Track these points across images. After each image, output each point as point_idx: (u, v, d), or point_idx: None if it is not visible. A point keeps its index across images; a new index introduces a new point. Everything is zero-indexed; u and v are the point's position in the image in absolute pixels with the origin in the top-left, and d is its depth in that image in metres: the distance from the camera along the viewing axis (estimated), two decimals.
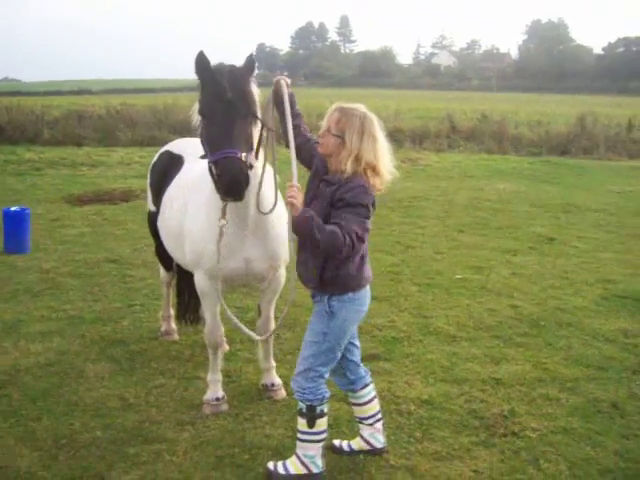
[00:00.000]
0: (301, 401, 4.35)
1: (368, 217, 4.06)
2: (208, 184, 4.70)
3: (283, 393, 5.44)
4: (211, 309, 5.11)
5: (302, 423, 4.37)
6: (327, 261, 4.13)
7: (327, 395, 4.39)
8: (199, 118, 4.54)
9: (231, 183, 4.11)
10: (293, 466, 4.40)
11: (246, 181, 4.18)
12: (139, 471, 4.44)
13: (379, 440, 4.69)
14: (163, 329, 6.77)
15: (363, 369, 4.67)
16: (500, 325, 7.12)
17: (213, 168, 4.29)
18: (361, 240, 4.02)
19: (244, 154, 4.17)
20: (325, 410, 4.38)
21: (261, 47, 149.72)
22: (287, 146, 4.40)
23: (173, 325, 6.80)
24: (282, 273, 5.21)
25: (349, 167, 4.06)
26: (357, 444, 4.70)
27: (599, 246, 10.70)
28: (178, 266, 6.26)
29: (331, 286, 4.20)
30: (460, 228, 11.82)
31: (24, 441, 4.80)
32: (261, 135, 4.59)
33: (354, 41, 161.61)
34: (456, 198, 14.87)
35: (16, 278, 8.60)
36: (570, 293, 8.22)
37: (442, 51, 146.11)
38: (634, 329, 7.03)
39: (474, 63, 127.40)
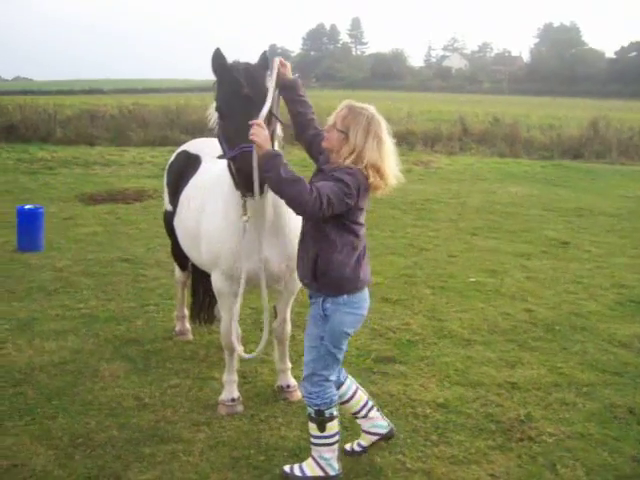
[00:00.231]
0: (309, 406, 4.35)
1: (347, 194, 3.95)
2: (225, 184, 4.70)
3: (299, 394, 5.42)
4: (228, 310, 5.10)
5: (313, 427, 4.37)
6: (321, 250, 4.12)
7: (335, 399, 4.38)
8: (216, 116, 4.53)
9: (251, 178, 4.11)
10: (309, 468, 4.39)
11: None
12: (155, 471, 4.44)
13: (382, 426, 4.69)
14: (177, 329, 6.78)
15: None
16: (515, 329, 7.10)
17: (232, 164, 4.28)
18: (331, 207, 3.90)
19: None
20: (335, 413, 4.37)
21: (272, 48, 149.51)
22: (297, 135, 4.46)
23: (187, 325, 6.80)
24: None
25: (349, 163, 4.07)
26: (365, 440, 4.70)
27: (613, 251, 10.65)
28: (193, 266, 6.26)
29: (325, 284, 4.18)
30: (473, 231, 11.80)
31: (40, 439, 4.80)
32: (274, 130, 4.57)
33: (366, 43, 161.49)
34: (468, 201, 14.85)
35: (30, 276, 8.62)
36: (584, 298, 8.19)
37: (453, 54, 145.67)
38: None
39: (485, 66, 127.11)
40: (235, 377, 5.36)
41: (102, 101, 34.39)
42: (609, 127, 25.26)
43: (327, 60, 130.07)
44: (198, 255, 5.32)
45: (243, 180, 4.18)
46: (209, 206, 5.04)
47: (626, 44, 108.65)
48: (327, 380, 4.31)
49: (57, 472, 4.41)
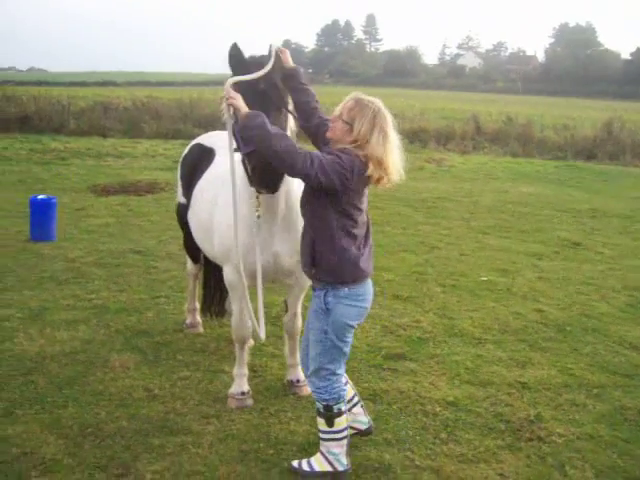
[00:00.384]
0: (318, 401, 4.36)
1: (342, 167, 3.96)
2: (239, 178, 4.70)
3: (308, 389, 5.41)
4: (239, 303, 5.11)
5: (321, 422, 4.38)
6: (317, 234, 4.15)
7: (343, 393, 4.38)
8: (232, 110, 4.53)
9: (267, 174, 4.11)
10: (318, 463, 4.40)
11: (281, 173, 4.18)
12: (164, 462, 4.45)
13: (362, 422, 4.74)
14: (188, 321, 6.79)
15: None
16: (525, 329, 7.07)
17: (247, 160, 4.28)
18: (322, 169, 3.91)
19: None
20: (343, 408, 4.37)
21: (286, 44, 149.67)
22: (301, 124, 4.51)
23: (198, 318, 6.81)
24: None
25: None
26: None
27: (625, 253, 10.61)
28: (205, 259, 6.27)
29: (324, 271, 4.18)
30: (485, 230, 11.77)
31: (50, 428, 4.82)
32: (286, 123, 4.58)
33: (380, 40, 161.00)
34: (481, 200, 14.81)
35: (42, 266, 8.65)
36: (596, 299, 8.16)
37: (468, 52, 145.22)
38: None
39: (500, 65, 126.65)
40: (245, 371, 5.37)
41: (115, 93, 34.48)
42: (623, 128, 25.10)
43: (341, 56, 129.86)
44: (210, 248, 5.33)
45: (258, 176, 4.18)
46: (222, 199, 5.04)
47: None
48: (334, 374, 4.32)
49: (67, 461, 4.44)
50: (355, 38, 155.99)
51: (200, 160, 5.93)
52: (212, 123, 21.43)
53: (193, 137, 7.12)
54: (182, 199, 6.21)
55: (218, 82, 4.83)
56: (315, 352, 4.32)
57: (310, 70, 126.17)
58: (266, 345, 6.37)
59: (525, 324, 7.20)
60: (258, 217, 4.52)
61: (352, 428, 4.67)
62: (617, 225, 12.79)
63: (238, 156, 4.52)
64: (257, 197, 4.44)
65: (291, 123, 4.64)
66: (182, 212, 6.18)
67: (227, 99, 4.09)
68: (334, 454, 4.37)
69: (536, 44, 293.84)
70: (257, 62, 4.36)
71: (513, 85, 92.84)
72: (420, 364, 6.10)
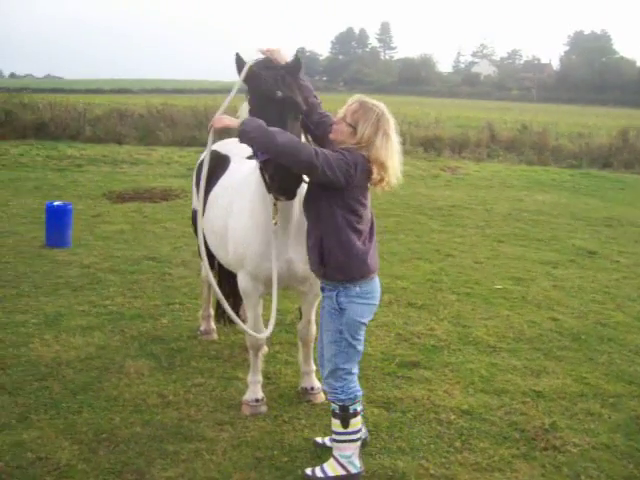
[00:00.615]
0: (334, 402, 4.39)
1: (346, 163, 4.04)
2: (253, 185, 4.72)
3: (322, 397, 5.42)
4: (253, 310, 5.11)
5: (336, 424, 4.39)
6: (324, 231, 4.20)
7: (359, 394, 4.43)
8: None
9: (286, 181, 4.12)
10: (331, 468, 4.41)
11: (299, 179, 4.20)
12: (178, 469, 4.46)
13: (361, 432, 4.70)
14: (202, 328, 6.80)
15: None
16: (540, 337, 7.04)
17: (265, 168, 4.29)
18: (326, 161, 3.97)
19: None
20: (358, 409, 4.41)
21: (301, 51, 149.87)
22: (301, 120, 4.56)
23: (212, 325, 6.82)
24: None
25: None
26: None
27: None
28: (219, 266, 6.28)
29: (333, 269, 4.23)
30: (499, 238, 11.73)
31: (64, 433, 4.84)
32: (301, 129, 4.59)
33: (394, 48, 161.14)
34: (495, 208, 14.76)
35: (57, 272, 8.69)
36: (611, 308, 8.11)
37: (482, 60, 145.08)
38: None
39: (514, 73, 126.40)
40: (259, 378, 5.37)
41: (131, 100, 34.67)
42: (639, 136, 24.97)
43: (355, 64, 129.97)
44: (225, 254, 5.34)
45: (278, 183, 4.19)
46: (237, 206, 5.06)
47: None
48: (350, 373, 4.36)
49: (81, 466, 4.45)
50: (369, 46, 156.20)
51: (215, 167, 5.93)
52: (227, 130, 21.45)
53: None
54: (198, 206, 6.22)
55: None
56: (330, 353, 4.35)
57: (324, 78, 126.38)
58: (280, 352, 6.39)
59: (540, 332, 7.17)
60: (275, 224, 4.53)
61: None
62: (633, 234, 12.70)
63: (255, 163, 4.55)
64: (275, 204, 4.45)
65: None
66: (197, 219, 6.18)
67: (212, 125, 4.41)
68: (347, 457, 4.38)
69: (551, 52, 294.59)
70: (271, 71, 4.39)
71: (528, 93, 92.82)
72: (434, 372, 6.08)
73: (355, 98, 4.27)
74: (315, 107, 4.64)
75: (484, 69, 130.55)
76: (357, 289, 4.24)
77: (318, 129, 4.59)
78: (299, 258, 4.78)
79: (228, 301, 6.60)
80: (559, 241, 11.72)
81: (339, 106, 4.39)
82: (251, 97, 4.42)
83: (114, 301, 7.65)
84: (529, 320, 7.52)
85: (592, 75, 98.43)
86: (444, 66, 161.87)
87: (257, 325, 5.17)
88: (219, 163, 5.94)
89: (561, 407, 5.52)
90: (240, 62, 4.44)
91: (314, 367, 5.56)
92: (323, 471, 4.40)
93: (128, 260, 9.39)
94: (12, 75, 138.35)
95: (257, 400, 5.26)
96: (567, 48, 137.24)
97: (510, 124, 29.54)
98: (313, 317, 5.42)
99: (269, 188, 4.32)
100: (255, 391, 5.30)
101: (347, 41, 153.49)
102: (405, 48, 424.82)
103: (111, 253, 9.72)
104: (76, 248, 9.91)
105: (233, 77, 4.49)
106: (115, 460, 4.53)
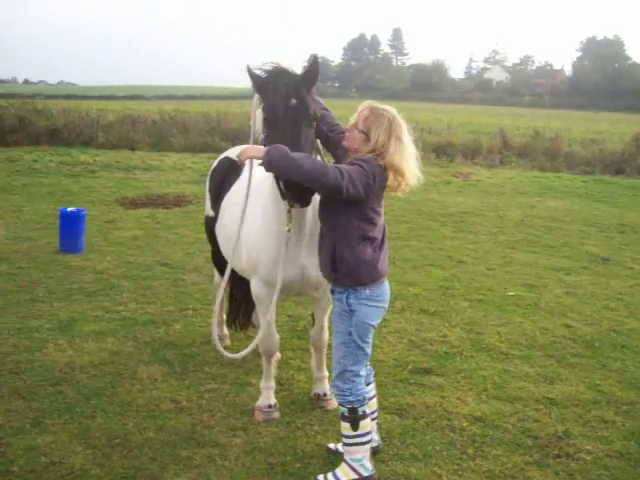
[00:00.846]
0: (343, 404, 4.40)
1: (366, 176, 4.05)
2: (267, 191, 4.73)
3: (335, 403, 5.41)
4: (266, 316, 5.12)
5: (346, 427, 4.41)
6: (338, 240, 4.22)
7: (368, 395, 4.46)
8: (262, 126, 4.57)
9: (301, 189, 4.14)
10: (343, 473, 4.42)
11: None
12: (191, 474, 4.47)
13: (374, 439, 4.70)
14: None
15: (369, 366, 4.69)
16: (553, 344, 7.02)
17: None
18: (350, 180, 3.98)
19: None
20: (367, 411, 4.43)
21: (314, 57, 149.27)
22: None
23: (225, 330, 6.84)
24: None
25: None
26: None
27: None
28: (232, 272, 6.29)
29: (344, 275, 4.25)
30: (512, 245, 11.70)
31: (78, 438, 4.87)
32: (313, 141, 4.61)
33: (406, 54, 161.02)
34: (508, 214, 14.73)
35: (71, 277, 8.74)
36: (625, 315, 8.07)
37: (494, 66, 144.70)
38: None
39: (527, 79, 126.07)
40: (272, 384, 5.38)
41: (144, 107, 34.83)
42: None
43: (367, 70, 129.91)
44: (238, 261, 5.35)
45: (293, 191, 4.20)
46: (250, 213, 5.07)
47: None
48: (358, 375, 4.37)
49: (95, 471, 4.48)
50: (381, 52, 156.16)
51: (228, 173, 5.97)
52: (239, 136, 21.59)
53: (221, 150, 7.19)
54: (210, 212, 6.25)
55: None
56: (339, 355, 4.37)
57: (336, 84, 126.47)
58: (293, 359, 6.40)
59: (553, 339, 7.15)
60: (288, 231, 4.54)
61: None
62: None
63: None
64: (289, 211, 4.46)
65: (318, 142, 4.69)
66: (210, 225, 6.22)
67: (240, 158, 4.36)
68: (358, 460, 4.40)
69: (563, 58, 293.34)
70: (280, 76, 4.40)
71: (540, 99, 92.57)
72: (447, 379, 6.07)
73: (365, 104, 4.30)
74: (325, 117, 4.67)
75: (496, 75, 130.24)
76: (367, 292, 4.27)
77: (332, 132, 4.62)
78: (313, 264, 4.78)
79: (240, 308, 6.66)
80: (572, 248, 11.68)
81: (351, 112, 4.41)
82: (265, 105, 4.43)
83: (127, 307, 7.69)
84: (542, 327, 7.50)
85: (605, 81, 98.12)
86: (456, 72, 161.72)
87: (270, 331, 5.18)
88: (232, 169, 5.96)
89: (574, 414, 5.50)
90: (252, 73, 4.44)
91: (327, 373, 5.57)
92: (335, 476, 4.41)
93: (141, 266, 9.43)
94: (26, 81, 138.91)
95: (270, 406, 5.27)
96: (580, 54, 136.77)
97: (522, 130, 29.51)
98: (326, 323, 5.43)
99: (284, 195, 4.33)
100: (268, 397, 5.31)
101: (359, 47, 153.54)
102: (417, 54, 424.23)
103: (124, 259, 9.76)
104: (89, 254, 9.97)
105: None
106: (128, 465, 4.55)
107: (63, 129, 23.86)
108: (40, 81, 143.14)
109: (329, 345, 6.27)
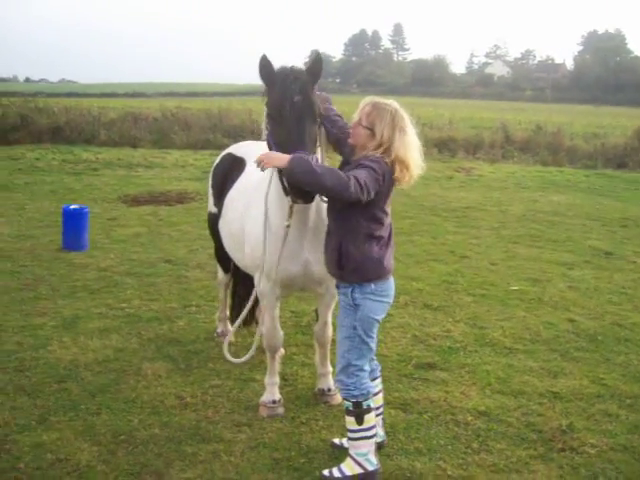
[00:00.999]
0: (347, 399, 4.41)
1: (377, 180, 4.07)
2: (274, 187, 4.73)
3: (339, 398, 5.41)
4: (270, 312, 5.13)
5: (351, 421, 4.42)
6: (344, 239, 4.23)
7: (372, 390, 4.47)
8: (267, 121, 4.57)
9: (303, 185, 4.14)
10: (348, 467, 4.44)
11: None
12: (197, 470, 4.48)
13: (379, 434, 4.72)
14: (219, 330, 6.83)
15: (375, 361, 4.72)
16: (557, 338, 7.02)
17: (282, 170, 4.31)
18: (367, 189, 3.99)
19: (313, 155, 4.20)
20: (372, 405, 4.45)
21: (314, 53, 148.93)
22: None
23: (229, 327, 6.84)
24: None
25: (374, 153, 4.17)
26: None
27: None
28: (235, 268, 6.31)
29: (350, 272, 4.27)
30: (515, 239, 11.70)
31: (83, 435, 4.88)
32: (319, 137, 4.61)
33: (407, 49, 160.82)
34: (510, 209, 14.72)
35: (74, 275, 8.75)
36: (629, 309, 8.07)
37: (496, 61, 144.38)
38: None
39: (528, 73, 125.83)
40: (276, 379, 5.39)
41: (145, 104, 34.84)
42: None
43: (368, 66, 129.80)
44: (241, 257, 5.37)
45: (296, 188, 4.20)
46: (253, 209, 5.08)
47: None
48: (362, 370, 4.39)
49: (100, 467, 4.49)
50: (382, 47, 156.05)
51: (231, 170, 5.98)
52: (241, 133, 21.62)
53: (223, 147, 7.19)
54: (213, 209, 6.26)
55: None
56: (343, 349, 4.39)
57: (338, 80, 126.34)
58: (297, 354, 6.41)
59: (556, 334, 7.15)
60: (287, 226, 4.54)
61: None
62: None
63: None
64: (291, 207, 4.46)
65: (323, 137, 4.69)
66: (213, 222, 6.23)
67: (262, 164, 4.19)
68: (363, 454, 4.41)
69: (565, 52, 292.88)
70: (286, 72, 4.40)
71: (542, 93, 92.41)
72: (451, 374, 6.08)
73: (367, 100, 4.31)
74: (329, 111, 4.69)
75: (498, 70, 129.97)
76: (372, 286, 4.29)
77: (334, 127, 4.63)
78: (316, 259, 4.79)
79: (243, 304, 6.66)
80: (574, 242, 11.67)
81: (353, 108, 4.42)
82: (269, 101, 4.44)
83: (131, 304, 7.70)
84: (545, 321, 7.50)
85: (606, 75, 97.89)
86: (457, 67, 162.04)
87: (274, 327, 5.19)
88: (235, 166, 5.98)
89: (578, 408, 5.50)
90: (266, 63, 4.42)
91: (330, 369, 5.57)
92: (340, 471, 4.42)
93: (144, 263, 9.44)
94: (27, 80, 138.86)
95: (274, 402, 5.28)
96: (581, 48, 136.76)
97: (524, 125, 29.50)
98: (329, 319, 5.43)
99: (287, 191, 4.34)
100: (272, 393, 5.32)
101: (360, 43, 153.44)
102: (418, 49, 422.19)
103: (127, 256, 9.78)
104: (92, 251, 9.98)
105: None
106: (134, 461, 4.57)
107: (65, 127, 23.85)
108: (41, 79, 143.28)
109: (333, 340, 6.32)
